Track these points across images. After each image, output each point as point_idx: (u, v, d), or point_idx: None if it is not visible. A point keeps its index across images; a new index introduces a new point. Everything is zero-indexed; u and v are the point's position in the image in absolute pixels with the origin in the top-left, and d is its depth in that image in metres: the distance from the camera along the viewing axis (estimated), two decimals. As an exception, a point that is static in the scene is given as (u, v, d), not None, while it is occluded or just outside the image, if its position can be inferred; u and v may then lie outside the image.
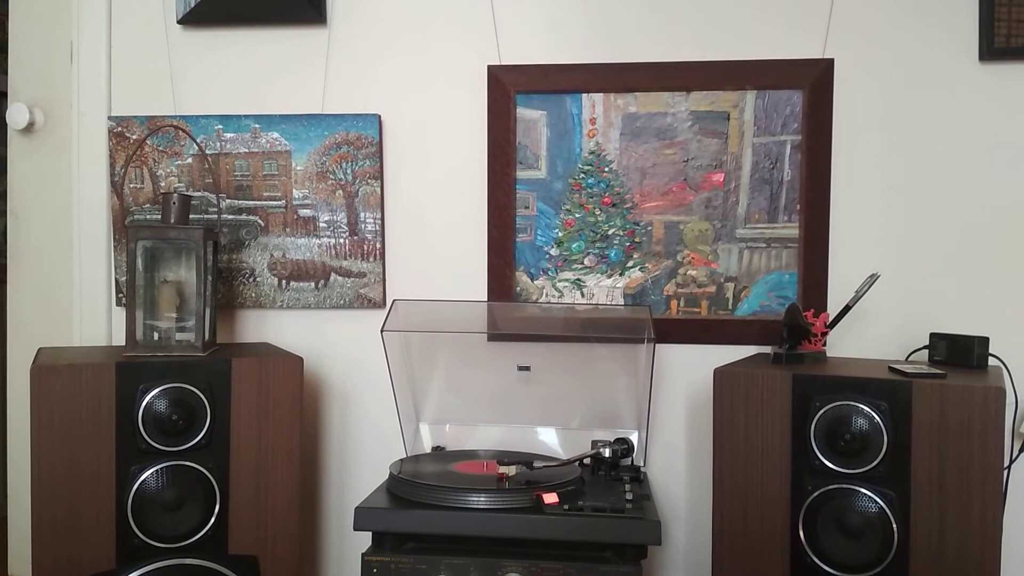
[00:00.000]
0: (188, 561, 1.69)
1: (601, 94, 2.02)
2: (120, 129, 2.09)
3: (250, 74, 2.11)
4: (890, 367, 1.69)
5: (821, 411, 1.58)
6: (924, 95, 1.96)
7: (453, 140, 2.07)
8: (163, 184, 2.09)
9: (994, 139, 1.94)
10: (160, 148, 2.09)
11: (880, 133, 1.97)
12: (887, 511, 1.54)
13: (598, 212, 2.04)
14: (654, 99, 2.01)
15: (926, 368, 1.67)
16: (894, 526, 1.53)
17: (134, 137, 2.08)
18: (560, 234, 2.05)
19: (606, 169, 2.03)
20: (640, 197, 2.03)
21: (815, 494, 1.58)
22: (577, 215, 2.05)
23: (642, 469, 1.87)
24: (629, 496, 1.66)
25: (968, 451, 1.51)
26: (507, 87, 2.02)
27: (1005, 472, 1.80)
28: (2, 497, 2.37)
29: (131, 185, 2.10)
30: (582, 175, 2.04)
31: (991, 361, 1.78)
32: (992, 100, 1.94)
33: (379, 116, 2.06)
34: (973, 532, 1.51)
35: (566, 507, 1.58)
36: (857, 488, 1.56)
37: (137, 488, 1.66)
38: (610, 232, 2.04)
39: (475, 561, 1.55)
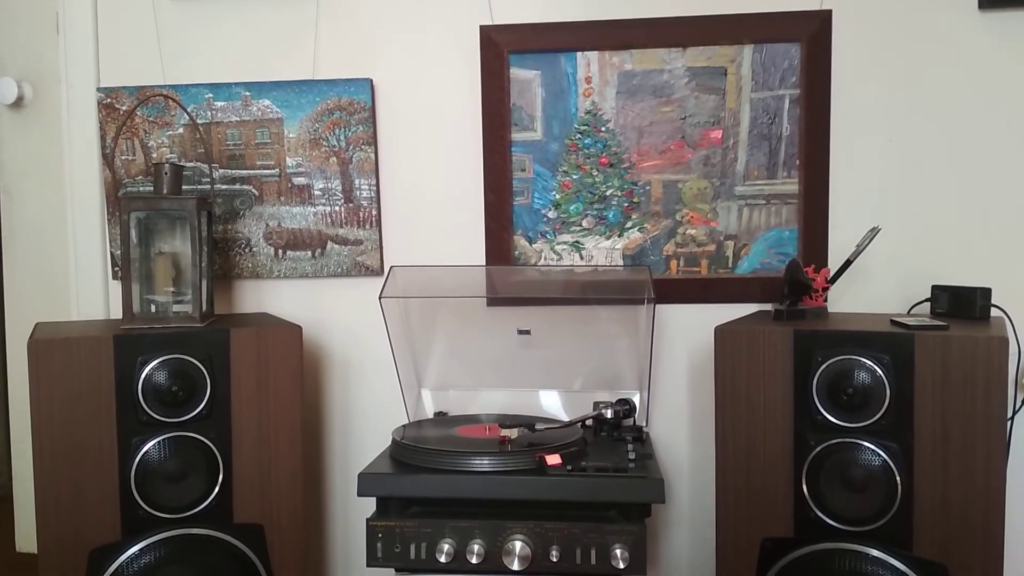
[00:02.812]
0: (193, 531, 1.69)
1: (596, 52, 1.99)
2: (109, 100, 2.06)
3: (239, 40, 2.08)
4: (892, 320, 1.68)
5: (823, 366, 1.57)
6: (923, 45, 1.93)
7: (447, 103, 2.05)
8: (155, 155, 2.07)
9: (994, 88, 1.91)
10: (150, 119, 2.07)
11: (879, 85, 1.94)
12: (890, 464, 1.54)
13: (595, 173, 2.02)
14: (650, 56, 1.98)
15: (928, 320, 1.66)
16: (897, 479, 1.53)
17: (124, 108, 2.05)
18: (557, 196, 2.03)
19: (603, 129, 2.01)
20: (638, 156, 2.00)
21: (818, 449, 1.58)
22: (574, 176, 2.02)
23: (644, 429, 1.87)
24: (632, 456, 1.66)
25: (971, 402, 1.51)
26: (500, 47, 1.99)
27: (1008, 423, 1.80)
28: (7, 474, 2.38)
29: (123, 157, 2.07)
30: (578, 135, 2.01)
31: (993, 312, 1.77)
32: (992, 48, 1.91)
33: (371, 80, 2.03)
34: (976, 483, 1.51)
35: (569, 468, 1.58)
36: (860, 442, 1.56)
37: (140, 460, 1.66)
38: (608, 193, 2.02)
39: (479, 524, 1.55)
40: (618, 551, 1.51)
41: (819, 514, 1.59)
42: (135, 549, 1.65)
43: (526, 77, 2.01)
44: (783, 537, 1.62)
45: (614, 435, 1.83)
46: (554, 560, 1.52)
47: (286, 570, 1.76)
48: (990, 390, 1.50)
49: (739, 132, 1.98)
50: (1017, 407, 1.90)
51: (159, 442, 1.67)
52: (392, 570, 1.59)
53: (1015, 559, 1.89)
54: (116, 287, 2.07)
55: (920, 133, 1.94)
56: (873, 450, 1.55)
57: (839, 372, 1.56)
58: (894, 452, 1.54)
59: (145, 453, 1.66)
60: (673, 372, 2.05)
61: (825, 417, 1.58)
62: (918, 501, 1.54)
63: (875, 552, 1.54)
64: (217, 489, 1.71)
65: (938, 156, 1.94)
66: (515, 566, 1.52)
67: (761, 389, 1.63)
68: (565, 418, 1.93)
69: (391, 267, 1.98)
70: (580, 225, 2.03)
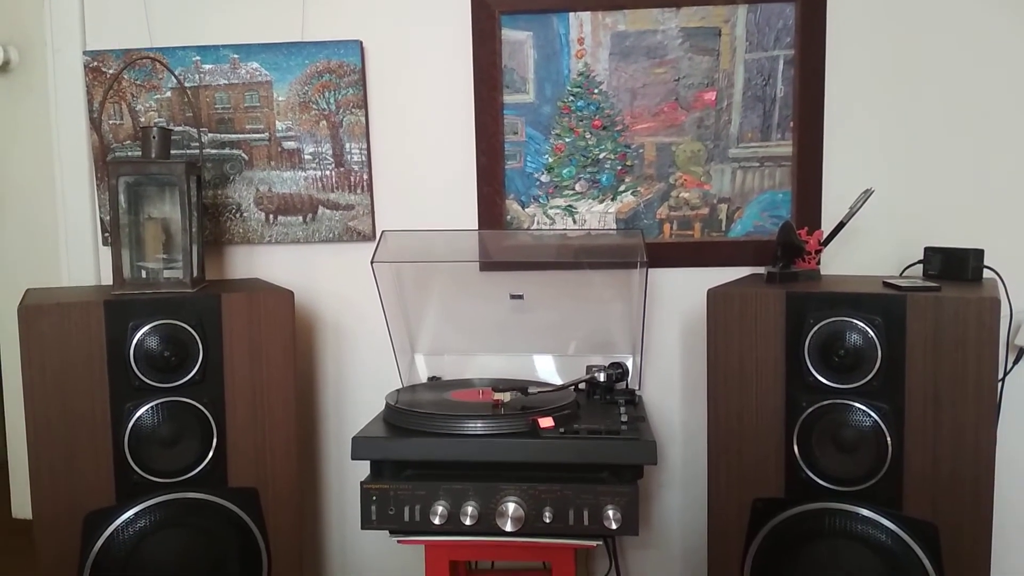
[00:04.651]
0: (188, 495, 1.70)
1: (589, 12, 1.96)
2: (96, 64, 2.03)
3: (226, 2, 2.05)
4: (884, 282, 1.68)
5: (815, 328, 1.58)
6: (918, 6, 1.91)
7: (438, 65, 2.02)
8: (143, 119, 2.04)
9: (990, 50, 1.90)
10: (137, 82, 2.04)
11: (874, 45, 1.92)
12: (881, 424, 1.54)
13: (588, 136, 2.00)
14: (643, 16, 1.95)
15: (920, 282, 1.66)
16: (888, 439, 1.54)
17: (110, 72, 2.02)
18: (550, 160, 2.02)
19: (596, 91, 1.99)
20: (631, 119, 1.99)
21: (809, 410, 1.59)
22: (567, 139, 2.01)
23: (637, 392, 1.87)
24: (624, 418, 1.67)
25: (962, 363, 1.51)
26: (491, 7, 1.96)
27: (999, 384, 1.81)
28: (1, 441, 2.38)
29: (110, 121, 2.05)
30: (571, 98, 1.99)
31: (986, 273, 1.77)
32: (987, 10, 1.89)
33: (360, 42, 2.01)
34: (967, 444, 1.52)
35: (562, 430, 1.58)
36: (851, 403, 1.56)
37: (133, 425, 1.66)
38: (601, 156, 2.01)
39: (473, 486, 1.56)
40: (610, 512, 1.52)
41: (810, 475, 1.60)
42: (130, 513, 1.66)
43: (518, 38, 1.99)
44: (774, 498, 1.63)
45: (607, 398, 1.83)
46: (547, 521, 1.53)
47: (281, 533, 1.77)
48: (981, 351, 1.50)
49: (733, 94, 1.96)
50: (1008, 368, 1.91)
51: (152, 407, 1.67)
52: (387, 532, 1.60)
53: (1004, 518, 1.91)
54: (107, 253, 2.06)
55: (915, 93, 1.93)
56: (864, 411, 1.55)
57: (831, 334, 1.57)
58: (885, 413, 1.55)
59: (138, 418, 1.67)
60: (666, 336, 2.05)
61: (817, 379, 1.58)
62: (908, 461, 1.55)
63: (865, 511, 1.56)
64: (211, 454, 1.71)
65: (932, 118, 1.93)
66: (508, 527, 1.54)
67: (753, 351, 1.63)
68: (558, 382, 1.93)
69: (383, 232, 1.97)
70: (573, 189, 2.02)
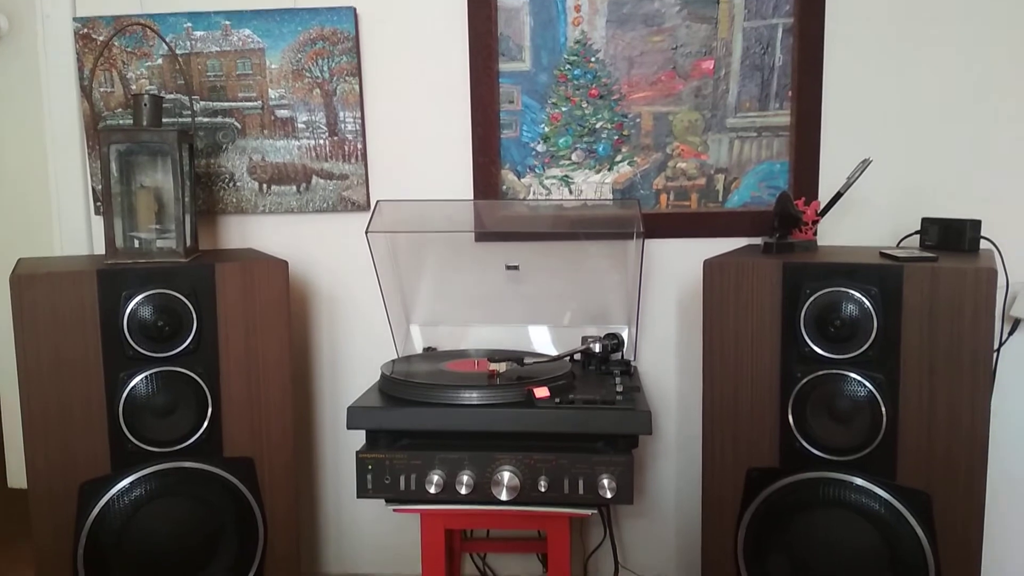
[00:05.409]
0: (184, 464, 1.70)
1: (585, -21, 1.93)
2: (86, 31, 2.00)
3: (217, -33, 2.02)
4: (881, 252, 1.68)
5: (811, 298, 1.57)
6: (921, -29, 1.89)
7: (432, 32, 2.00)
8: (134, 87, 2.02)
9: (991, 20, 1.88)
10: (128, 50, 2.01)
11: (874, 14, 1.90)
12: (876, 395, 1.54)
13: (585, 105, 1.98)
14: (641, -17, 1.93)
15: (917, 252, 1.66)
16: (882, 409, 1.54)
17: (101, 38, 2.00)
18: (546, 129, 2.00)
19: (592, 59, 1.96)
20: (628, 88, 1.97)
21: (804, 380, 1.59)
22: (563, 109, 1.99)
23: (632, 363, 1.87)
24: (619, 389, 1.67)
25: (958, 334, 1.51)
26: (487, -26, 1.93)
27: (994, 354, 1.81)
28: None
29: (101, 89, 2.02)
30: (568, 66, 1.97)
31: (983, 244, 1.76)
32: (991, -25, 1.87)
33: (354, 9, 1.98)
34: (962, 414, 1.53)
35: (557, 400, 1.58)
36: (846, 373, 1.56)
37: (127, 395, 1.66)
38: (598, 126, 1.99)
39: (469, 455, 1.56)
40: (605, 481, 1.53)
41: (804, 444, 1.60)
42: (126, 482, 1.66)
43: (514, 5, 1.96)
44: (768, 467, 1.63)
45: (602, 369, 1.83)
46: (542, 490, 1.54)
47: (277, 502, 1.77)
48: (977, 321, 1.50)
49: (731, 62, 1.94)
50: (1003, 339, 1.91)
51: (146, 377, 1.67)
52: (382, 501, 1.60)
53: (997, 488, 1.93)
54: (99, 223, 2.04)
55: (913, 64, 1.91)
56: (859, 381, 1.55)
57: (827, 304, 1.56)
58: (880, 383, 1.55)
59: (132, 388, 1.66)
60: (662, 307, 2.04)
61: (812, 349, 1.58)
62: (903, 431, 1.55)
63: (859, 481, 1.56)
64: (206, 423, 1.71)
65: (931, 88, 1.91)
66: (504, 496, 1.54)
67: (749, 322, 1.63)
68: (554, 353, 1.93)
69: (377, 202, 1.96)
70: (569, 159, 2.01)
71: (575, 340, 1.91)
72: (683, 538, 2.09)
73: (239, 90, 2.01)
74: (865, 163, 1.81)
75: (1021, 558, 2.01)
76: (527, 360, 1.75)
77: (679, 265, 2.02)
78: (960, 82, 1.90)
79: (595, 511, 1.60)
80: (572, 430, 1.56)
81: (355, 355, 2.11)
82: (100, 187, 1.96)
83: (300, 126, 2.02)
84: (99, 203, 2.05)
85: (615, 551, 2.03)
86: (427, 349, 2.02)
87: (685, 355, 2.05)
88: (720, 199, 1.99)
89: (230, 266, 1.72)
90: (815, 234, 1.83)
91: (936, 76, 1.91)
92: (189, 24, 1.99)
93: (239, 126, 2.03)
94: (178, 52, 1.99)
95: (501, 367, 1.70)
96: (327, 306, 2.11)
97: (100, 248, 2.05)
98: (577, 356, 1.87)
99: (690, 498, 2.05)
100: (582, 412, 1.56)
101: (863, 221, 1.95)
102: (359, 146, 2.02)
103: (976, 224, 1.74)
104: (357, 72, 2.00)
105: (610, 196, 2.01)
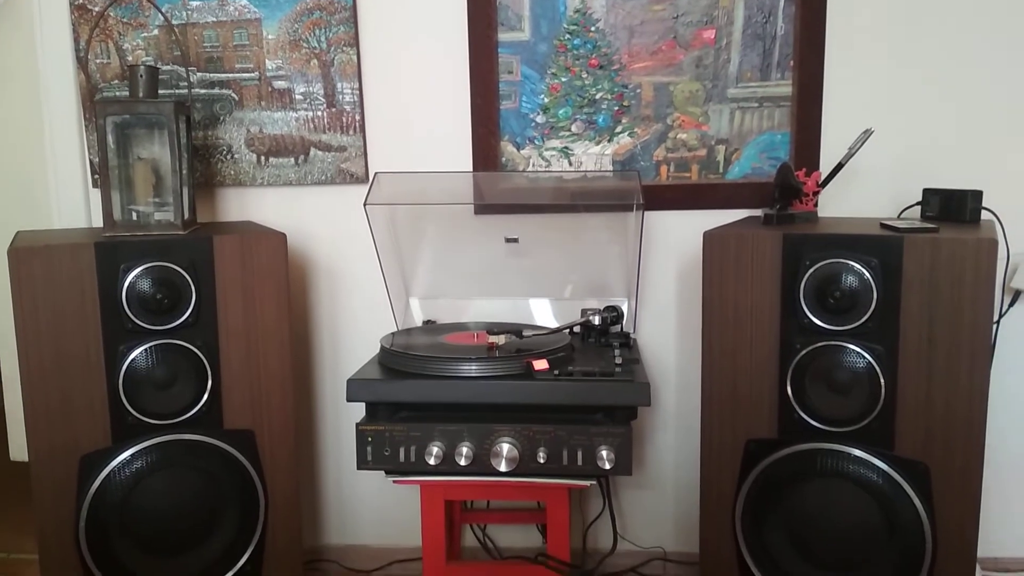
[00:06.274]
0: (184, 437, 1.70)
1: (585, -53, 1.91)
2: (82, 1, 1.98)
3: (212, -64, 1.99)
4: (882, 224, 1.67)
5: (811, 269, 1.57)
6: (926, -62, 1.86)
7: (431, 1, 1.97)
8: (130, 58, 2.00)
9: (997, -16, 1.86)
10: (124, 20, 1.99)
11: (878, -19, 1.88)
12: (875, 366, 1.54)
13: (585, 75, 1.96)
14: (641, -49, 1.91)
15: (918, 223, 1.65)
16: (881, 380, 1.55)
17: (96, 9, 1.97)
18: (546, 100, 1.98)
19: (592, 29, 1.94)
20: (628, 58, 1.95)
21: (803, 351, 1.59)
22: (563, 79, 1.97)
23: (632, 335, 1.87)
24: (619, 361, 1.67)
25: (958, 305, 1.51)
26: (485, -58, 1.91)
27: (994, 326, 1.81)
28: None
29: (97, 61, 2.00)
30: (567, 36, 1.95)
31: (984, 215, 1.75)
32: (997, -58, 1.84)
33: (352, -22, 1.96)
34: (961, 385, 1.53)
35: (556, 372, 1.58)
36: (846, 344, 1.56)
37: (127, 367, 1.66)
38: (598, 96, 1.97)
39: (468, 427, 1.57)
40: (604, 452, 1.53)
41: (803, 416, 1.60)
42: (126, 455, 1.67)
43: (513, -26, 1.94)
44: (767, 439, 1.64)
45: (602, 341, 1.83)
46: (541, 461, 1.55)
47: (277, 474, 1.78)
48: (977, 293, 1.50)
49: (732, 32, 1.92)
50: (1003, 310, 1.91)
51: (146, 349, 1.67)
52: (382, 472, 1.61)
53: (995, 459, 1.93)
54: (97, 195, 2.03)
55: (915, 34, 1.89)
56: (858, 353, 1.55)
57: (827, 276, 1.56)
58: (879, 354, 1.55)
59: (132, 361, 1.66)
60: (662, 279, 2.04)
61: (812, 320, 1.58)
62: (901, 402, 1.55)
63: (857, 452, 1.57)
64: (206, 396, 1.71)
65: (933, 59, 1.89)
66: (503, 467, 1.55)
67: (748, 294, 1.63)
68: (554, 325, 1.93)
69: (376, 174, 1.95)
70: (569, 130, 1.99)
71: (575, 313, 1.91)
72: (682, 509, 2.11)
73: (236, 61, 1.99)
74: (866, 133, 1.79)
75: (1018, 528, 2.02)
76: (526, 332, 1.75)
77: (679, 237, 2.01)
78: (962, 54, 1.88)
79: (594, 482, 1.61)
80: (571, 402, 1.56)
81: (355, 328, 2.11)
82: (97, 159, 1.95)
83: (298, 97, 2.00)
84: (96, 175, 2.04)
85: (614, 522, 2.04)
86: (427, 322, 2.02)
87: (685, 327, 2.04)
88: (721, 170, 1.98)
89: (228, 238, 1.71)
90: (816, 205, 1.82)
91: (938, 46, 1.89)
92: (184, -6, 1.97)
93: (236, 97, 2.01)
94: (174, 22, 1.97)
95: (500, 339, 1.70)
96: (326, 278, 2.11)
97: (98, 221, 2.04)
98: (577, 328, 1.87)
99: (689, 469, 2.06)
100: (581, 384, 1.56)
101: (864, 192, 1.94)
102: (357, 118, 2.01)
103: (977, 195, 1.73)
104: (355, 42, 1.98)
105: (610, 168, 2.00)
